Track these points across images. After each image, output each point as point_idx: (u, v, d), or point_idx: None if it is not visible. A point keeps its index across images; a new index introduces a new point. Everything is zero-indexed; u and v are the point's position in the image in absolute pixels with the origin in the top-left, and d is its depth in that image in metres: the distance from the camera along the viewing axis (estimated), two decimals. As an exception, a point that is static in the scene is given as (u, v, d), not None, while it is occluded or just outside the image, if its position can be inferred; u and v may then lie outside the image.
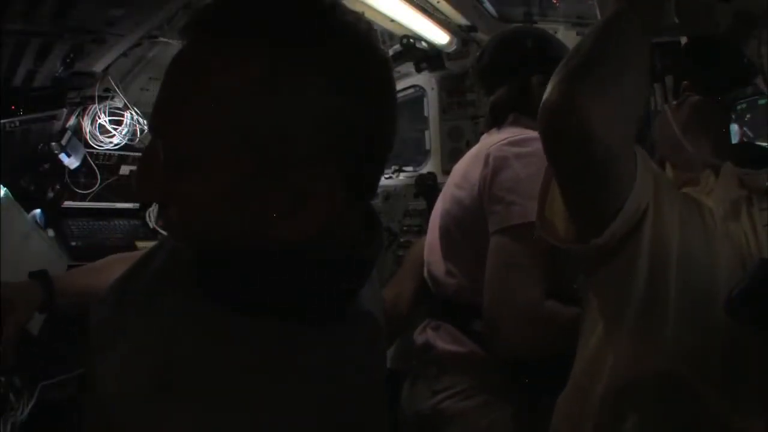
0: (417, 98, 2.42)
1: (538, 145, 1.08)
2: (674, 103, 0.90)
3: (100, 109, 1.67)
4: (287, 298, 0.55)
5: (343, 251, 0.58)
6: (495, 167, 1.08)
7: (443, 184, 1.32)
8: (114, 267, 0.95)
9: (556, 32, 1.87)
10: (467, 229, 1.14)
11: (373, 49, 0.55)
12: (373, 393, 0.62)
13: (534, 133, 1.14)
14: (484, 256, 1.06)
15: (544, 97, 0.67)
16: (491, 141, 1.16)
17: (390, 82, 0.58)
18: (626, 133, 0.71)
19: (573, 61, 0.67)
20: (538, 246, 0.98)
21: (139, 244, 1.88)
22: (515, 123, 1.22)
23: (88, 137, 1.72)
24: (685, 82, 0.91)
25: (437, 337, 1.16)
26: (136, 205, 2.01)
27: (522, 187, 1.03)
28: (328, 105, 0.50)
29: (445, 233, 1.21)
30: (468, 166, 1.19)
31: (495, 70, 1.26)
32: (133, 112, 1.73)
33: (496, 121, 1.25)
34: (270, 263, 0.55)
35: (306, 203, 0.52)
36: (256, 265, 0.55)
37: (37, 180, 1.72)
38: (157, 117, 0.54)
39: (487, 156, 1.11)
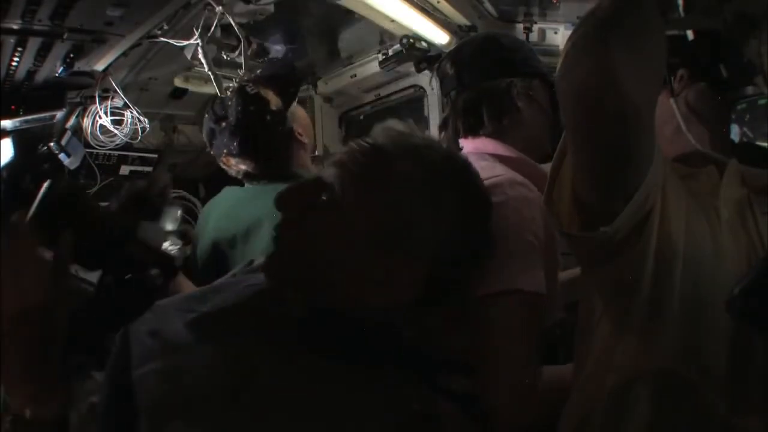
0: (417, 98, 2.42)
1: (512, 191, 0.94)
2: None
3: (100, 109, 1.67)
4: (366, 346, 0.68)
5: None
6: None
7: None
8: None
9: (556, 32, 1.87)
10: None
11: (483, 197, 0.80)
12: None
13: (503, 171, 1.01)
14: None
15: (567, 46, 0.64)
16: None
17: (488, 225, 0.79)
18: (652, 98, 0.68)
19: (600, 11, 0.64)
20: (518, 314, 0.87)
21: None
22: (482, 133, 1.13)
23: (88, 137, 1.72)
24: (683, 72, 0.89)
25: None
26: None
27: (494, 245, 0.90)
28: (442, 227, 0.72)
29: None
30: None
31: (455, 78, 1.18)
32: (134, 112, 1.73)
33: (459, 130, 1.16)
34: (360, 321, 0.70)
35: (393, 285, 0.70)
36: (348, 320, 0.70)
37: (37, 180, 1.72)
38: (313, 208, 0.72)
39: None
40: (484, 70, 1.13)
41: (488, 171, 1.00)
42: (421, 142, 0.77)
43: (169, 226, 0.76)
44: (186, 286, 1.03)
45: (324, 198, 0.71)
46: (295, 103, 1.52)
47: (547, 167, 0.84)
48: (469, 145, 1.14)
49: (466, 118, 1.14)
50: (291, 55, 2.20)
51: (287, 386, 0.62)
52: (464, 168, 0.78)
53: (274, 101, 1.45)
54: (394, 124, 0.79)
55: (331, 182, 0.72)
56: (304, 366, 0.64)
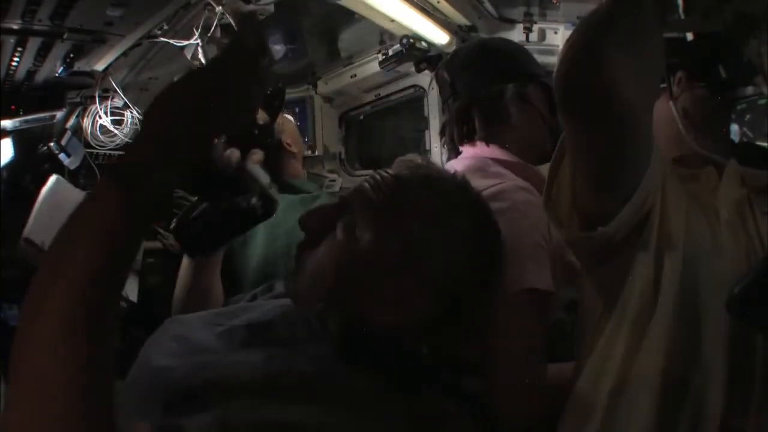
0: (417, 98, 2.42)
1: (517, 196, 0.98)
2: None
3: (100, 109, 1.67)
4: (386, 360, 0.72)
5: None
6: None
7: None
8: None
9: (556, 32, 1.87)
10: None
11: (493, 224, 0.84)
12: None
13: (506, 176, 1.04)
14: None
15: (564, 48, 0.65)
16: None
17: (497, 249, 0.84)
18: (650, 99, 0.69)
19: (599, 12, 0.65)
20: (530, 312, 0.89)
21: (139, 243, 1.87)
22: (476, 140, 1.15)
23: (88, 137, 1.72)
24: (682, 73, 0.90)
25: None
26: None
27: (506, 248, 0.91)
28: (454, 252, 0.77)
29: None
30: None
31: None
32: (134, 112, 1.73)
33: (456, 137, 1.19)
34: (372, 332, 0.74)
35: (405, 305, 0.75)
36: (369, 335, 0.74)
37: (37, 180, 1.72)
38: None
39: None
40: (477, 77, 1.16)
41: (492, 177, 1.02)
42: (435, 174, 0.84)
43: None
44: (216, 277, 1.03)
45: (345, 221, 0.76)
46: (281, 115, 1.55)
47: (545, 169, 0.84)
48: (468, 151, 1.16)
49: (461, 126, 1.17)
50: (291, 55, 2.20)
51: (300, 385, 0.66)
52: (475, 198, 0.84)
53: (260, 115, 1.47)
54: (413, 157, 0.86)
55: (352, 207, 0.78)
56: (320, 370, 0.68)
